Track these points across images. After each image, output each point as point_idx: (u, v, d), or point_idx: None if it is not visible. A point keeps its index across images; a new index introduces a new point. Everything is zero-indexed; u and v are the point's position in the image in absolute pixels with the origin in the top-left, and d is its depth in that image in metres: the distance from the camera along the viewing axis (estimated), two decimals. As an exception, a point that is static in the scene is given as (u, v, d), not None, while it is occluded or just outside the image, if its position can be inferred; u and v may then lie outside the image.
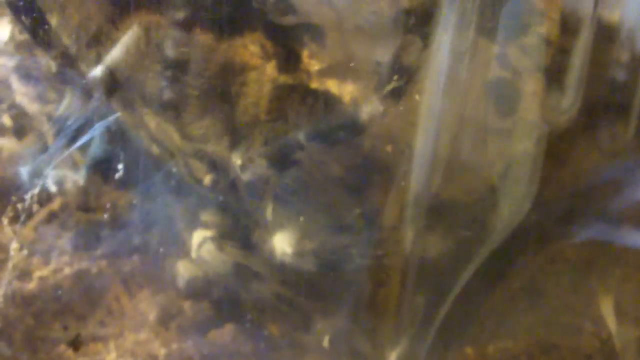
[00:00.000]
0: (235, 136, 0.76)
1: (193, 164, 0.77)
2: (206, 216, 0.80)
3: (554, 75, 0.75)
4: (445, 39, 0.71)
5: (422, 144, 0.73)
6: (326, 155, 0.74)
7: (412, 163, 0.73)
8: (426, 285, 0.76)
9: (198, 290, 0.79)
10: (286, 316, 0.78)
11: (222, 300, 0.78)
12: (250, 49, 0.74)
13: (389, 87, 0.72)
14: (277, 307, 0.77)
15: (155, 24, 0.73)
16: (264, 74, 0.75)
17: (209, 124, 0.75)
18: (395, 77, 0.71)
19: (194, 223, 0.79)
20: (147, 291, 0.79)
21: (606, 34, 0.76)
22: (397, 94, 0.72)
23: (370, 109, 0.72)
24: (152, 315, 0.78)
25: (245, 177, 0.75)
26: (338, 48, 0.75)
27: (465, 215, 0.75)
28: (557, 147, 0.77)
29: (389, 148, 0.74)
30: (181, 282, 0.79)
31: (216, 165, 0.77)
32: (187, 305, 0.78)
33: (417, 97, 0.72)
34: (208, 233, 0.79)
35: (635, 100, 0.77)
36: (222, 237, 0.79)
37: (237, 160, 0.75)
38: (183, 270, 0.79)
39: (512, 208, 0.74)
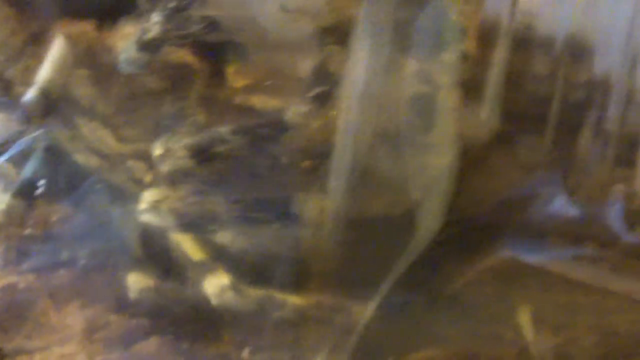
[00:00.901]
0: (158, 128, 0.75)
1: (133, 165, 0.77)
2: None
3: (472, 90, 0.76)
4: (362, 56, 0.72)
5: (339, 158, 0.74)
6: (249, 150, 0.74)
7: (330, 176, 0.74)
8: (347, 295, 0.77)
9: (149, 301, 0.78)
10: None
11: (148, 313, 0.78)
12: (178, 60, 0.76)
13: (313, 93, 0.73)
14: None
15: (77, 32, 0.74)
16: (193, 81, 0.76)
17: (139, 122, 0.76)
18: (319, 83, 0.73)
19: None
20: (74, 305, 0.80)
21: (523, 47, 0.78)
22: (320, 99, 0.73)
23: (294, 109, 0.73)
24: (78, 329, 0.78)
25: (164, 168, 0.75)
26: (262, 65, 0.76)
27: (385, 226, 0.76)
28: (476, 160, 0.78)
29: (307, 164, 0.75)
30: (133, 294, 0.78)
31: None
32: (113, 318, 0.78)
33: (334, 112, 0.73)
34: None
35: (552, 112, 0.79)
36: None
37: (156, 150, 0.75)
38: (133, 283, 0.79)
39: (430, 220, 0.75)
